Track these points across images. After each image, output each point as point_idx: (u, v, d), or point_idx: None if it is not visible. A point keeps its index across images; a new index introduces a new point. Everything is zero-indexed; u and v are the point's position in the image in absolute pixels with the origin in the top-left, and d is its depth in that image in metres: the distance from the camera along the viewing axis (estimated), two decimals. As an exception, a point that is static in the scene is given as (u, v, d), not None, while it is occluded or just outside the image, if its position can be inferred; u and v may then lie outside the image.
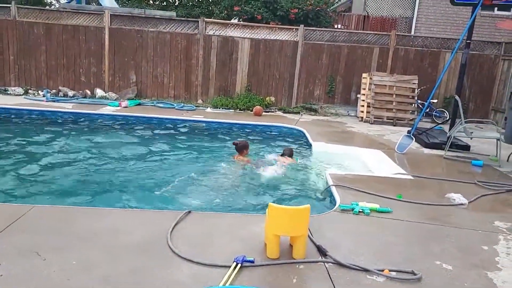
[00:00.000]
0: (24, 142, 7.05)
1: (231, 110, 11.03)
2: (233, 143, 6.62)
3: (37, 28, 11.35)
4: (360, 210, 4.23)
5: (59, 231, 3.41)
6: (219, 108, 11.10)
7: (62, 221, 3.63)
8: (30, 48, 11.40)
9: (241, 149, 6.46)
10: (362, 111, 10.94)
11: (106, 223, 3.62)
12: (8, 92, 11.08)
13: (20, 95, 10.96)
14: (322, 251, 3.31)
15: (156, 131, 8.67)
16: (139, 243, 3.29)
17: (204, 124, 9.32)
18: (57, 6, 23.30)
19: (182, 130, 8.98)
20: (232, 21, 13.09)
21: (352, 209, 4.26)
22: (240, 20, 13.25)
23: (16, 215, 3.61)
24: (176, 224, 3.65)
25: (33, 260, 2.92)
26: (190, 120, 9.39)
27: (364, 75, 11.24)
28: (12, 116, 9.02)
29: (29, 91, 11.27)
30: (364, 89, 11.08)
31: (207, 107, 11.14)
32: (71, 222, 3.60)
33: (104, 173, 5.73)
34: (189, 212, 3.95)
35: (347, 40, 11.65)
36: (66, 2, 17.31)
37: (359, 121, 10.87)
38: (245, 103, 11.16)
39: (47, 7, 22.54)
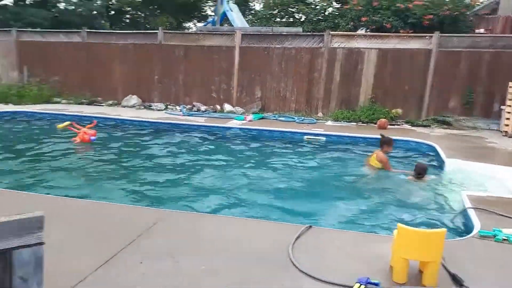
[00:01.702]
0: (164, 153, 7.88)
1: (353, 123, 10.73)
2: (380, 134, 6.70)
3: (178, 50, 12.72)
4: (504, 238, 3.66)
5: (190, 236, 3.69)
6: (340, 121, 10.90)
7: (192, 227, 3.91)
8: (171, 68, 12.82)
9: (384, 143, 6.37)
10: (507, 125, 9.56)
11: (231, 231, 3.79)
12: (152, 108, 12.60)
13: (161, 110, 12.36)
14: (457, 281, 2.94)
15: (278, 144, 8.88)
16: (262, 254, 3.36)
17: (324, 138, 9.22)
18: (194, 29, 25.92)
19: (303, 143, 9.03)
20: (359, 32, 12.80)
21: (494, 236, 3.71)
22: (368, 30, 12.89)
23: (156, 219, 4.03)
24: (297, 238, 3.64)
25: (168, 262, 3.20)
26: (310, 133, 9.39)
27: (510, 84, 9.84)
28: (154, 129, 10.17)
29: (169, 106, 12.66)
30: (510, 99, 9.68)
31: (328, 120, 11.03)
32: (200, 228, 3.86)
33: (230, 183, 6.05)
34: (310, 226, 3.91)
35: (491, 46, 10.36)
36: (203, 25, 19.10)
37: (503, 135, 9.53)
38: (368, 115, 10.74)
39: (186, 30, 25.25)
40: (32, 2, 30.39)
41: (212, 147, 8.48)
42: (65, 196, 4.90)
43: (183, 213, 4.38)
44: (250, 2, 26.14)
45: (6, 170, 6.49)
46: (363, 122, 10.73)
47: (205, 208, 5.01)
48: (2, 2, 29.99)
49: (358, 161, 7.15)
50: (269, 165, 7.15)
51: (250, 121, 10.57)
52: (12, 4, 29.24)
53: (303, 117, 11.17)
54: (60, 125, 8.66)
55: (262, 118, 11.16)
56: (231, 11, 17.00)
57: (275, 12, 18.45)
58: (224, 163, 7.23)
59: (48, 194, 5.06)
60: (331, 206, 5.11)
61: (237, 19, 16.65)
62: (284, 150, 8.37)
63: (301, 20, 16.48)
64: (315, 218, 4.63)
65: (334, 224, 4.49)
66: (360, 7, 13.10)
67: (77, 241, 3.52)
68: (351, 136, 9.24)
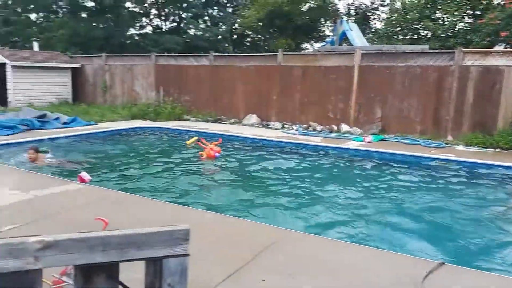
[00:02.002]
0: (281, 171, 7.99)
1: (489, 149, 9.56)
2: None
3: (295, 70, 12.98)
4: None
5: (310, 259, 3.62)
6: (474, 146, 9.81)
7: (312, 249, 3.85)
8: (288, 88, 13.11)
9: None
10: None
11: (351, 259, 3.63)
12: (270, 126, 12.99)
13: (278, 129, 12.66)
14: None
15: (401, 169, 8.34)
16: (387, 287, 3.14)
17: (455, 164, 8.38)
18: (310, 50, 26.29)
19: (430, 169, 8.33)
20: (497, 48, 11.54)
21: None
22: (507, 46, 11.54)
23: (276, 237, 4.06)
24: (427, 275, 3.31)
25: (289, 282, 3.18)
26: (438, 159, 8.62)
27: None
28: (272, 147, 10.38)
29: (285, 125, 12.91)
30: None
31: (459, 145, 10.02)
32: (319, 252, 3.77)
33: (348, 207, 5.85)
34: (443, 263, 3.53)
35: None
36: (321, 46, 19.27)
37: None
38: (509, 141, 9.46)
39: (303, 51, 25.74)
40: (167, 29, 34.32)
41: (328, 168, 8.35)
42: (189, 206, 5.27)
43: (302, 234, 4.35)
44: (370, 20, 25.64)
45: (143, 179, 7.29)
46: (502, 149, 9.49)
47: (323, 230, 4.91)
48: (144, 31, 34.46)
49: (500, 193, 6.31)
50: (392, 191, 6.74)
51: (369, 142, 10.15)
52: (151, 32, 33.41)
53: (430, 140, 10.30)
54: (188, 141, 9.44)
55: (383, 139, 10.61)
56: (351, 30, 16.86)
57: (397, 29, 17.75)
58: (342, 185, 7.03)
59: (175, 203, 5.50)
60: (467, 241, 4.57)
61: (357, 38, 16.42)
62: (408, 176, 7.82)
63: (427, 37, 15.55)
64: (447, 254, 4.18)
65: (471, 263, 3.99)
66: (498, 21, 11.82)
67: (204, 252, 3.72)
68: (489, 164, 8.20)
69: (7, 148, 9.15)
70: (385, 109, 11.52)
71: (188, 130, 12.14)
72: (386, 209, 5.76)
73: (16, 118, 11.52)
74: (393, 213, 5.60)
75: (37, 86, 16.84)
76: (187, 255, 1.87)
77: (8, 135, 10.11)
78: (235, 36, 34.23)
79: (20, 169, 7.04)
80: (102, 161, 8.81)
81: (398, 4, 19.87)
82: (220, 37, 30.43)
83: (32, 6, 27.66)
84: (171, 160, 8.91)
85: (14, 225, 4.37)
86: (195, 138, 9.44)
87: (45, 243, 1.74)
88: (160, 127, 12.90)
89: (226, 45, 32.27)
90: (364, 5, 25.84)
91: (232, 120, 13.98)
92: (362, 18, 25.03)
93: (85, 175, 6.42)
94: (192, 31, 32.38)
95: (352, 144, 9.98)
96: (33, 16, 29.04)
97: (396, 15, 18.61)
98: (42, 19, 28.51)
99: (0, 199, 5.19)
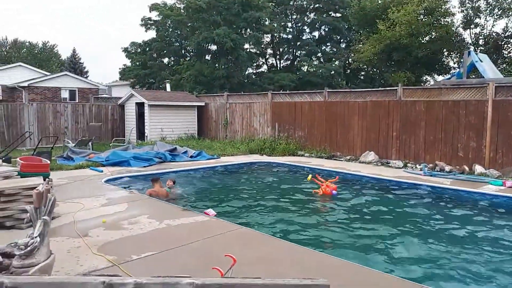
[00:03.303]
0: (409, 215, 7.39)
1: None
2: None
3: (418, 105, 12.21)
4: None
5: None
6: None
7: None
8: (410, 124, 12.35)
9: None
10: None
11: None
12: (390, 165, 12.28)
13: (400, 168, 11.88)
14: None
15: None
16: None
17: None
18: (432, 83, 24.67)
19: None
20: None
21: None
22: None
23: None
24: None
25: None
26: None
27: None
28: (395, 188, 9.65)
29: (408, 164, 12.07)
30: None
31: None
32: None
33: (492, 270, 5.09)
34: None
35: None
36: (446, 79, 17.97)
37: None
38: None
39: (424, 84, 24.28)
40: (281, 67, 35.68)
41: (462, 215, 7.42)
42: (308, 247, 5.12)
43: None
44: (503, 49, 23.16)
45: (261, 212, 7.40)
46: None
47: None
48: (260, 70, 36.37)
49: None
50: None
51: (510, 187, 8.86)
52: (266, 71, 35.08)
53: None
54: (309, 178, 9.45)
55: (527, 184, 9.19)
56: (481, 61, 15.38)
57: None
58: (480, 239, 6.17)
59: (289, 239, 5.42)
60: None
61: (489, 69, 14.91)
62: None
63: None
64: None
65: None
66: None
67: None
68: None
69: (144, 178, 10.20)
70: (529, 148, 10.05)
71: (302, 166, 12.14)
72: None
73: (151, 152, 12.88)
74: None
75: (169, 122, 18.77)
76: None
77: (145, 166, 11.33)
78: (349, 71, 34.01)
79: (154, 199, 7.73)
80: (222, 193, 9.24)
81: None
82: (333, 72, 30.53)
83: (165, 51, 31.42)
84: (286, 195, 8.94)
85: (152, 252, 4.75)
86: (310, 176, 9.42)
87: (196, 286, 1.80)
88: (275, 162, 13.17)
89: (339, 79, 32.18)
90: (494, 34, 23.52)
91: (348, 157, 13.61)
92: (493, 48, 22.77)
93: (210, 211, 6.76)
94: (305, 68, 33.17)
95: (489, 189, 8.78)
96: (165, 60, 32.94)
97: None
98: (173, 63, 32.13)
99: (141, 228, 5.73)
